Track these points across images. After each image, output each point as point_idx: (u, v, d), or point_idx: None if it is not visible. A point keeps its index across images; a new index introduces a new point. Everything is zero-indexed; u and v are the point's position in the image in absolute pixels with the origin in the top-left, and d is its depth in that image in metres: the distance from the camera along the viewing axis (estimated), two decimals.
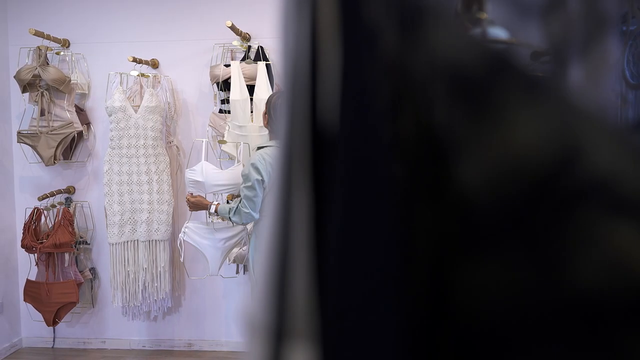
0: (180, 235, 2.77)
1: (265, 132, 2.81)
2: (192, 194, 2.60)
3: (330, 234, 0.19)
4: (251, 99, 2.92)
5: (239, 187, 2.53)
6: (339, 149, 0.19)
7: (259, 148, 2.43)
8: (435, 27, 0.22)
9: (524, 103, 0.22)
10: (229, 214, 2.36)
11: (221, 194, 2.83)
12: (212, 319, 3.43)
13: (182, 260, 2.91)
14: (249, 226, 2.63)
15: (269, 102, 2.41)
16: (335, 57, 0.20)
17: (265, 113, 2.43)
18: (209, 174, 2.58)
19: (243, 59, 3.08)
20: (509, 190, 0.21)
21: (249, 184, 2.28)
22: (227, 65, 3.03)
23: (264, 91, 2.90)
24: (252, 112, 2.90)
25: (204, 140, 2.85)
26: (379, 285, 0.18)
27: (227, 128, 2.93)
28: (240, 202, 2.34)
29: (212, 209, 2.45)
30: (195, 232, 2.69)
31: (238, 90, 2.88)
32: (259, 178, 2.27)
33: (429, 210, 0.20)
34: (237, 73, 2.91)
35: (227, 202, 3.14)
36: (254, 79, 2.97)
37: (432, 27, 0.21)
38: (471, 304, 0.20)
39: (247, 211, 2.29)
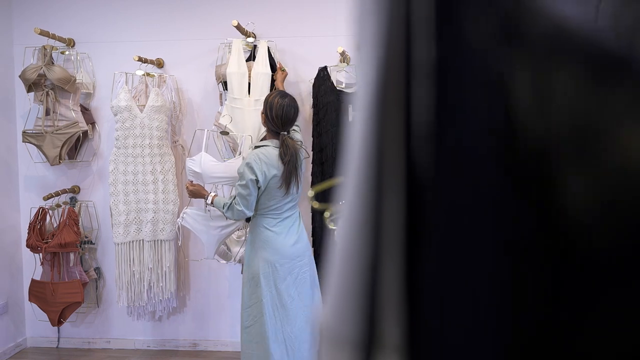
0: (178, 219, 2.81)
1: (261, 105, 2.86)
2: (191, 182, 2.63)
3: (427, 245, 0.18)
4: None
5: (236, 181, 2.57)
6: (436, 161, 0.18)
7: (255, 147, 2.44)
8: (555, 51, 0.20)
9: None
10: (223, 209, 2.41)
11: (221, 186, 2.85)
12: (217, 319, 3.43)
13: (179, 244, 3.02)
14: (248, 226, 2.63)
15: (266, 102, 2.42)
16: (430, 72, 0.19)
17: (262, 112, 2.45)
18: (207, 166, 2.59)
19: (248, 59, 3.07)
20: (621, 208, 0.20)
21: (243, 182, 2.32)
22: None
23: (261, 66, 2.94)
24: (249, 86, 2.93)
25: (206, 129, 2.85)
26: (481, 302, 0.17)
27: (224, 103, 2.99)
28: (234, 199, 2.37)
29: (209, 200, 2.50)
30: (193, 217, 2.72)
31: (236, 63, 2.93)
32: (253, 178, 2.31)
33: (533, 222, 0.19)
34: (237, 48, 2.96)
35: None
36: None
37: (547, 50, 0.20)
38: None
39: (240, 209, 2.34)
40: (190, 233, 3.35)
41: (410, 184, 0.19)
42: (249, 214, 2.39)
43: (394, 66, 0.20)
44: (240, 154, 2.77)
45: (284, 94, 2.46)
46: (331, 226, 0.81)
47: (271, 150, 2.38)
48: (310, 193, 0.89)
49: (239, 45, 2.99)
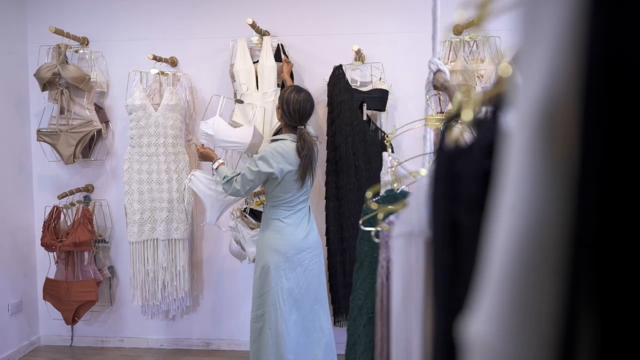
0: (185, 181, 2.85)
1: (270, 98, 2.93)
2: (202, 145, 2.68)
3: None
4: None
5: (245, 148, 2.65)
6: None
7: (272, 141, 2.49)
8: None
9: None
10: (223, 180, 2.47)
11: (231, 152, 2.91)
12: (230, 318, 3.42)
13: (185, 204, 3.00)
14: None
15: (282, 97, 2.47)
16: None
17: (278, 108, 2.50)
18: (219, 129, 2.63)
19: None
20: None
21: (255, 169, 2.37)
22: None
23: (265, 60, 2.98)
24: (257, 82, 2.98)
25: (222, 96, 2.89)
26: None
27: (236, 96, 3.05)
28: (236, 175, 2.43)
29: (215, 165, 2.56)
30: (200, 180, 2.74)
31: (241, 59, 3.00)
32: (268, 171, 2.36)
33: None
34: (242, 47, 3.03)
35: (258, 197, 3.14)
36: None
37: None
38: None
39: (238, 188, 2.42)
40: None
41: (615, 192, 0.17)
42: (243, 195, 2.49)
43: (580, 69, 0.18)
44: (251, 122, 2.81)
45: (299, 89, 2.49)
46: (384, 228, 0.79)
47: (289, 144, 2.42)
48: (369, 194, 0.88)
49: (243, 43, 3.04)
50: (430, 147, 1.57)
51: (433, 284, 0.39)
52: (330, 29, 3.24)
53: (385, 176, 1.41)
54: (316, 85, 3.22)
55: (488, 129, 0.34)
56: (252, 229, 2.99)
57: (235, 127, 2.92)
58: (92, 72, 3.22)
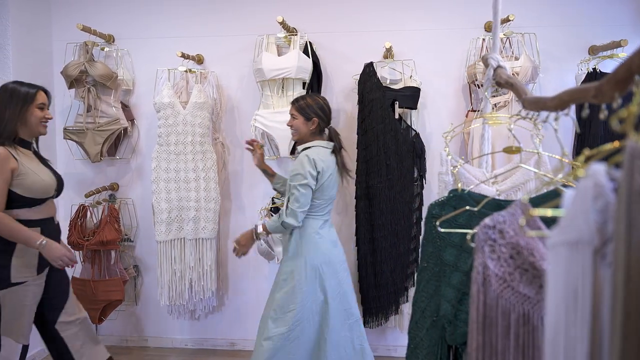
0: (252, 122, 2.99)
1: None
2: (237, 242, 2.50)
3: None
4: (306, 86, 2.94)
5: (294, 72, 2.82)
6: None
7: (305, 149, 2.41)
8: None
9: None
10: (279, 224, 2.33)
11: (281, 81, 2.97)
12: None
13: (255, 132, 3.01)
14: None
15: (311, 108, 2.42)
16: None
17: (306, 120, 2.43)
18: (266, 61, 2.88)
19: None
20: None
21: (304, 181, 2.28)
22: None
23: (292, 60, 2.91)
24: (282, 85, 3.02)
25: (266, 34, 3.08)
26: None
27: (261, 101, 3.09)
28: (289, 201, 2.31)
29: (259, 229, 2.42)
30: (265, 117, 2.95)
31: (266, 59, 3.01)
32: (314, 173, 2.30)
33: None
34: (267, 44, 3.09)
35: (273, 201, 3.10)
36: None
37: None
38: None
39: (290, 215, 2.30)
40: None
41: None
42: (299, 223, 2.32)
43: None
44: (294, 48, 2.95)
45: (312, 94, 2.57)
46: (532, 234, 0.75)
47: (322, 149, 2.40)
48: (525, 198, 0.84)
49: (274, 43, 3.06)
50: (489, 146, 1.53)
51: None
52: (357, 26, 3.20)
53: (447, 176, 1.36)
54: (344, 82, 3.18)
55: None
56: None
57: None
58: (118, 70, 3.19)
